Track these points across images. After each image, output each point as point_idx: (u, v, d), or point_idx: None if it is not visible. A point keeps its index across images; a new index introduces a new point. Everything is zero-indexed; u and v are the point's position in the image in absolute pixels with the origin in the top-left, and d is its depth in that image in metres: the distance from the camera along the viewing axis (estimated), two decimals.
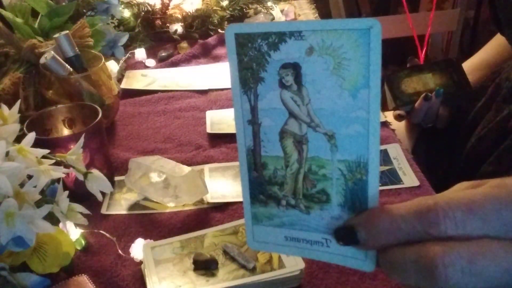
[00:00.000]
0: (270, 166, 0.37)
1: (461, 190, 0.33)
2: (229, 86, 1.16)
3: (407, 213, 0.31)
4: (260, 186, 0.37)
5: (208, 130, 0.87)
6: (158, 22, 1.28)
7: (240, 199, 0.70)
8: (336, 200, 0.35)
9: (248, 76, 0.35)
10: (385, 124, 0.86)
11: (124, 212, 0.70)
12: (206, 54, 1.19)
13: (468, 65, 1.05)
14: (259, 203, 0.38)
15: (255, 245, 0.39)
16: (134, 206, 0.71)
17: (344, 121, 0.33)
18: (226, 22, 1.28)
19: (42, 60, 0.82)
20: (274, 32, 0.34)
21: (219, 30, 1.26)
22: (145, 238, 0.63)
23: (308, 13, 1.39)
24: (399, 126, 1.04)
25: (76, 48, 0.85)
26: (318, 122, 0.34)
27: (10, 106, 0.61)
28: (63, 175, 0.55)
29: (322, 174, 0.35)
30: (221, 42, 1.24)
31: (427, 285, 0.30)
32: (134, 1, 1.25)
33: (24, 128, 0.65)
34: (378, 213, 0.32)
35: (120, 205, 0.71)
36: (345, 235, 0.34)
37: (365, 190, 0.34)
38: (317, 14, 1.39)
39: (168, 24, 1.26)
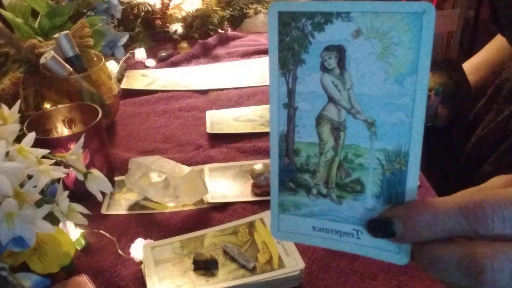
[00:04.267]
0: (303, 153, 0.35)
1: (504, 186, 0.32)
2: (229, 86, 1.15)
3: (451, 208, 0.30)
4: (290, 174, 0.36)
5: (208, 130, 0.87)
6: (158, 22, 1.28)
7: (240, 199, 0.70)
8: (371, 191, 0.34)
9: (288, 57, 0.34)
10: None
11: (124, 212, 0.70)
12: (206, 54, 1.19)
13: (469, 65, 1.05)
14: (287, 191, 0.36)
15: (280, 235, 0.38)
16: (134, 206, 0.71)
17: (387, 108, 0.32)
18: (226, 22, 1.28)
19: (42, 60, 0.82)
20: (321, 12, 0.32)
21: (219, 30, 1.27)
22: (145, 238, 0.63)
23: None
24: None
25: (76, 48, 0.85)
26: (359, 108, 0.33)
27: (10, 106, 0.61)
28: (63, 175, 0.55)
29: (359, 163, 0.34)
30: (221, 42, 1.24)
31: (471, 285, 0.29)
32: (134, 1, 1.25)
33: (24, 128, 0.65)
34: (418, 206, 0.31)
35: (120, 205, 0.71)
36: (380, 227, 0.33)
37: (404, 181, 0.33)
38: None
39: (168, 24, 1.26)
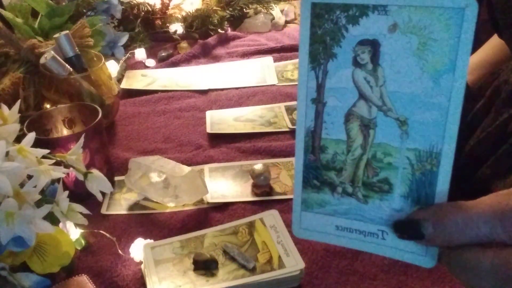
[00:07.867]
0: (330, 150, 0.34)
1: None
2: (229, 86, 1.15)
3: (485, 212, 0.29)
4: (315, 171, 0.35)
5: (208, 130, 0.87)
6: (158, 22, 1.28)
7: (240, 199, 0.70)
8: (400, 191, 0.33)
9: (320, 50, 0.33)
10: None
11: (124, 212, 0.70)
12: (206, 54, 1.19)
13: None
14: (311, 188, 0.35)
15: (302, 233, 0.37)
16: (134, 206, 0.71)
17: (420, 106, 0.31)
18: (226, 22, 1.28)
19: (42, 60, 0.82)
20: (356, 4, 0.31)
21: (219, 30, 1.27)
22: (145, 238, 0.63)
23: None
24: None
25: (76, 48, 0.85)
26: (391, 106, 0.32)
27: (10, 106, 0.61)
28: (63, 175, 0.55)
29: (387, 162, 0.33)
30: (221, 42, 1.24)
31: None
32: (134, 1, 1.25)
33: (24, 128, 0.65)
34: (450, 208, 0.30)
35: (120, 205, 0.71)
36: (408, 228, 0.32)
37: (434, 183, 0.32)
38: None
39: (168, 24, 1.27)
